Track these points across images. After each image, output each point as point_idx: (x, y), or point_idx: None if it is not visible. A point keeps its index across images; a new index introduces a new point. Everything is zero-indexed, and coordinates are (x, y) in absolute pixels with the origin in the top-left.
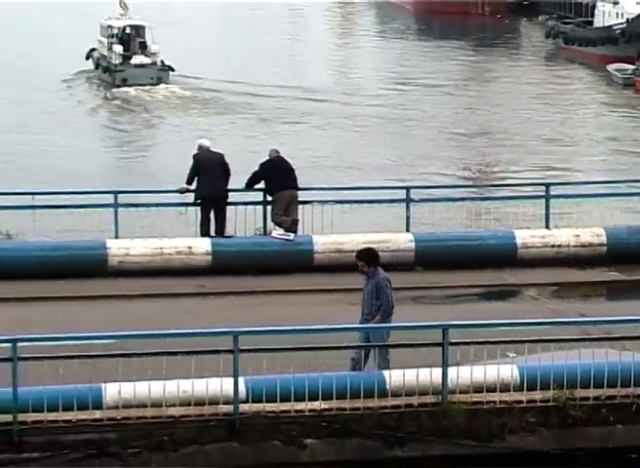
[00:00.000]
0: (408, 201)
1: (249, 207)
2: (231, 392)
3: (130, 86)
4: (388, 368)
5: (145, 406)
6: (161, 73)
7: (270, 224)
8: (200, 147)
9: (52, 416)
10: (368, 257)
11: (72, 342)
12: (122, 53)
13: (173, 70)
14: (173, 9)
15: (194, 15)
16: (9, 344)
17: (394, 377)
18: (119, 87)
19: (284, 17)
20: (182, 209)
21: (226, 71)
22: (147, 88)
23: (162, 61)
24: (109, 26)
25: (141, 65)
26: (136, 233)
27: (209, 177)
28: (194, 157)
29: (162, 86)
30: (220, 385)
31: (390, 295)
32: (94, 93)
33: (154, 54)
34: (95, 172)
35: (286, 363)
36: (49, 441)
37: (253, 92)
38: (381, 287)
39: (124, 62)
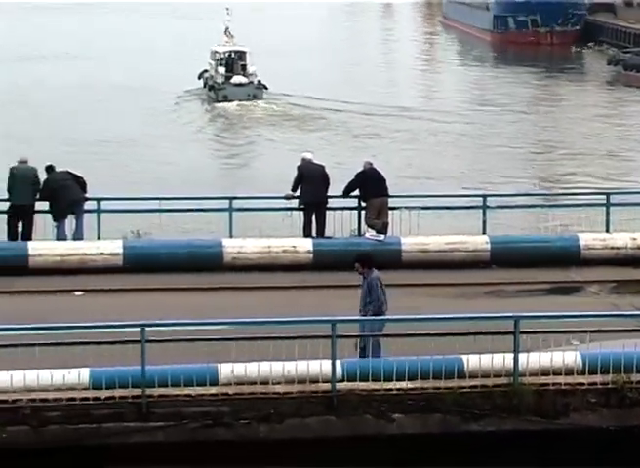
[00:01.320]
0: (484, 207)
1: (345, 211)
2: (329, 372)
3: (230, 101)
4: (379, 355)
5: (255, 383)
6: (256, 91)
7: (364, 227)
8: (303, 159)
9: (175, 391)
10: (363, 260)
11: (192, 327)
12: (225, 73)
13: (266, 88)
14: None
15: (291, 28)
16: (139, 328)
17: (471, 361)
18: (221, 102)
19: (372, 36)
20: (288, 213)
21: (318, 89)
22: (244, 103)
23: (258, 81)
24: (216, 52)
25: (240, 84)
26: (247, 233)
27: (311, 186)
28: (298, 168)
29: (257, 102)
30: (319, 366)
31: (380, 294)
32: (200, 107)
33: (251, 74)
34: (204, 178)
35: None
36: (172, 412)
37: (342, 108)
38: (372, 286)
39: (226, 82)
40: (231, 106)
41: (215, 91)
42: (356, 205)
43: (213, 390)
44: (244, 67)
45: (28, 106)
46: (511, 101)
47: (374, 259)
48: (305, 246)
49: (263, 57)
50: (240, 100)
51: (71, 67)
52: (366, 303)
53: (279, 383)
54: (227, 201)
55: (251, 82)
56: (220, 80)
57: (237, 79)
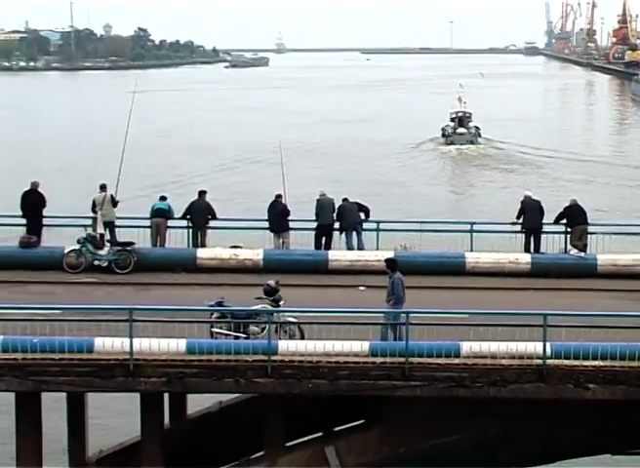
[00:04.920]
0: None
1: (555, 235)
2: (541, 351)
3: (453, 145)
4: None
5: (486, 357)
6: (473, 138)
7: (569, 246)
8: (525, 195)
9: (429, 360)
10: (390, 263)
11: (441, 315)
12: (454, 126)
13: (480, 136)
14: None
15: (511, 101)
16: (403, 315)
17: None
18: (448, 145)
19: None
20: (513, 235)
21: (527, 141)
22: (462, 146)
23: (477, 132)
24: (451, 112)
25: (462, 133)
26: (483, 248)
27: (530, 215)
28: (522, 202)
29: (472, 146)
30: (534, 347)
31: (399, 290)
32: (435, 149)
33: (471, 127)
34: (445, 206)
35: (576, 335)
36: (427, 375)
37: (546, 156)
38: (393, 284)
39: (453, 132)
40: (453, 148)
41: (445, 138)
42: (563, 230)
43: (456, 361)
44: (468, 123)
45: (342, 155)
46: None
47: (397, 264)
48: (525, 259)
49: (489, 118)
50: (461, 144)
51: (366, 128)
52: (389, 296)
53: (504, 358)
54: (469, 225)
55: (470, 132)
56: (449, 131)
57: (460, 130)
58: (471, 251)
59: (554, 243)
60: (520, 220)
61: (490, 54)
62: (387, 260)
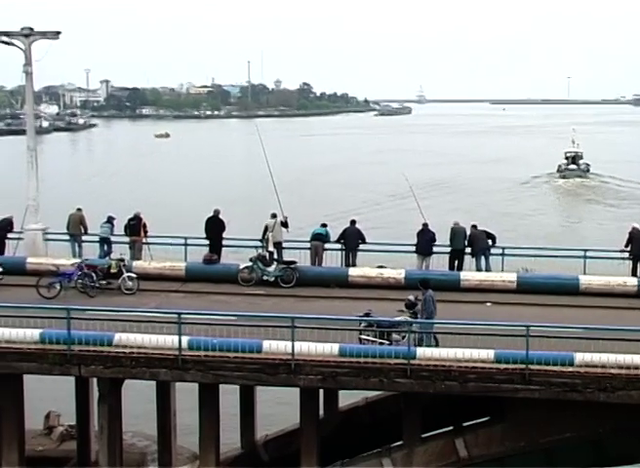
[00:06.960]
0: None
1: None
2: None
3: (565, 178)
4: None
5: (597, 366)
6: (581, 173)
7: None
8: (633, 227)
9: (547, 368)
10: (422, 283)
11: (557, 329)
12: (567, 163)
13: (588, 170)
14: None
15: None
16: (524, 328)
17: None
18: (561, 179)
19: None
20: (621, 261)
21: (632, 175)
22: (574, 180)
23: (587, 168)
24: (565, 152)
25: (572, 169)
26: (594, 272)
27: (637, 244)
28: (630, 233)
29: (582, 180)
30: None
31: (430, 306)
32: (550, 182)
33: (581, 164)
34: (556, 234)
35: None
36: (545, 380)
37: None
38: (426, 300)
39: (565, 168)
40: (564, 182)
41: (559, 173)
42: None
43: (570, 369)
44: (579, 161)
45: (473, 190)
46: None
47: (430, 283)
48: (633, 282)
49: (599, 158)
50: (571, 178)
51: (493, 166)
52: (422, 311)
53: (613, 367)
54: (582, 251)
55: (580, 168)
56: (563, 167)
57: (572, 166)
58: (584, 274)
59: None
60: (628, 248)
61: (602, 104)
62: (421, 281)
